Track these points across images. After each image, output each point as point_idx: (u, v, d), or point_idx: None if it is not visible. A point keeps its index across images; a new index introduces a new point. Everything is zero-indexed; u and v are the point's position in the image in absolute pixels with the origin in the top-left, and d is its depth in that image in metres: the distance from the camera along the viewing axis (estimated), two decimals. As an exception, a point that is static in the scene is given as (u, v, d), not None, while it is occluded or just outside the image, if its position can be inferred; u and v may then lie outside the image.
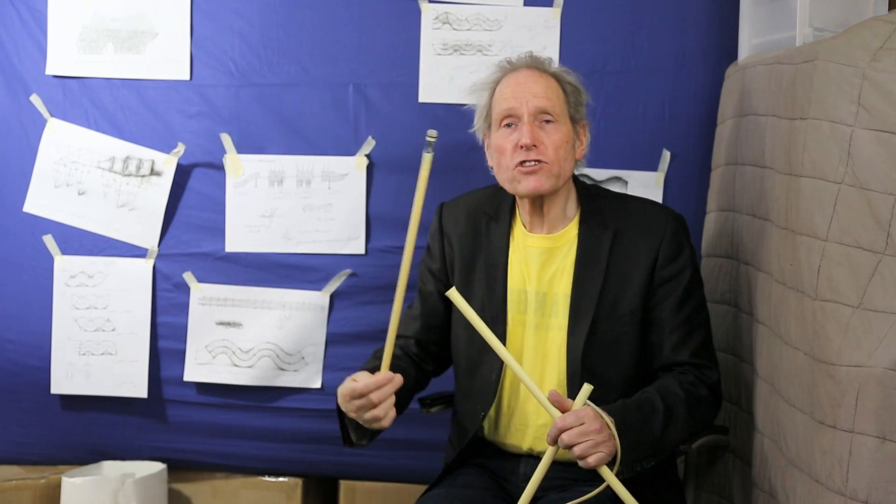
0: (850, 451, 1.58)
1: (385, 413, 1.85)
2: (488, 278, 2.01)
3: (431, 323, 2.12)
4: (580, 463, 1.72)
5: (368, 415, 1.85)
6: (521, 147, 1.91)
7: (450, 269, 2.09)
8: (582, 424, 1.71)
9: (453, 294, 1.81)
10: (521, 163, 1.92)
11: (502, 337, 1.97)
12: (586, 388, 1.75)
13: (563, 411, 1.75)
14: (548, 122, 1.93)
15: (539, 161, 1.91)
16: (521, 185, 1.94)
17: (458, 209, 2.11)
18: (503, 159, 1.95)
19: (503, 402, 1.99)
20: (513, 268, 2.01)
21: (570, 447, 1.71)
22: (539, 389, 1.78)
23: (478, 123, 2.04)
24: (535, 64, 1.99)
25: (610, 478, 1.73)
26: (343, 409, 1.90)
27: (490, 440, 2.03)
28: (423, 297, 2.14)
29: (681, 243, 1.96)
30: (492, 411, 2.00)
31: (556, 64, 2.02)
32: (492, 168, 2.02)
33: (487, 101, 2.00)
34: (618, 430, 1.73)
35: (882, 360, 1.54)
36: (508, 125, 1.95)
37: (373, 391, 1.84)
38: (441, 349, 2.14)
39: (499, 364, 1.96)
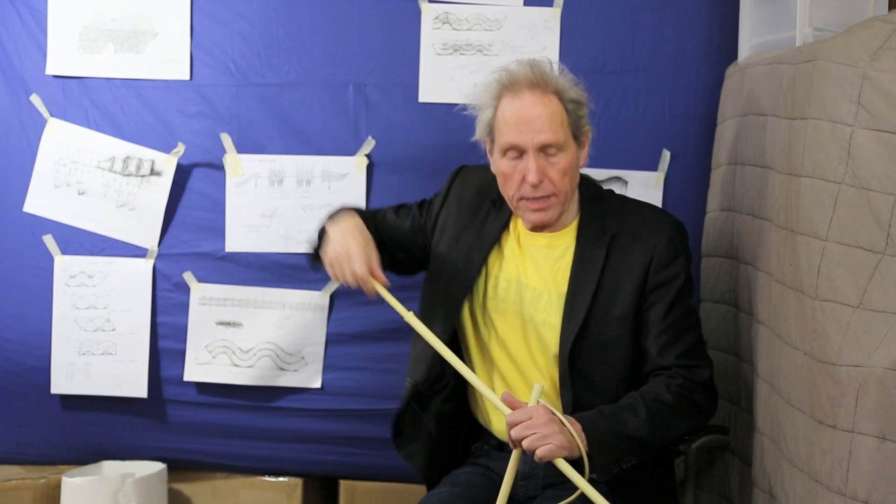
0: (850, 451, 1.58)
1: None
2: (467, 259, 2.03)
3: (398, 243, 2.16)
4: (535, 457, 1.74)
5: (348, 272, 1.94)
6: (529, 184, 1.91)
7: (438, 233, 2.11)
8: (530, 419, 1.73)
9: (411, 319, 1.90)
10: (528, 197, 1.93)
11: (456, 315, 2.02)
12: (537, 387, 1.77)
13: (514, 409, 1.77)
14: (552, 153, 1.91)
15: (546, 197, 1.92)
16: (526, 216, 1.97)
17: (473, 180, 2.13)
18: (508, 186, 1.96)
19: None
20: (508, 259, 2.02)
21: (518, 441, 1.73)
22: (492, 392, 1.83)
23: (481, 135, 2.01)
24: (537, 81, 1.92)
25: (569, 472, 1.73)
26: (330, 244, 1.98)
27: (487, 431, 2.05)
28: (409, 225, 2.18)
29: (676, 250, 1.96)
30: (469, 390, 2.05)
31: (557, 68, 1.97)
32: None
33: (490, 119, 1.96)
34: (588, 435, 1.75)
35: (882, 360, 1.54)
36: (514, 156, 1.93)
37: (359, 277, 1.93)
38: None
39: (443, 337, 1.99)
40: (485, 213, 2.07)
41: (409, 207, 2.20)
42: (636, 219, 1.99)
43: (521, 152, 1.92)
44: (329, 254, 1.97)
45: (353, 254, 1.93)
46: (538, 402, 1.76)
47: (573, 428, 1.74)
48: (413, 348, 2.13)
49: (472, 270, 2.02)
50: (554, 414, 1.74)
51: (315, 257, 2.09)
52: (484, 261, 2.03)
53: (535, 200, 1.92)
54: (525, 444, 1.72)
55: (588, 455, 1.75)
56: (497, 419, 2.02)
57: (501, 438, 2.02)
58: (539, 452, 1.72)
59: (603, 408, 1.84)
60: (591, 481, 1.75)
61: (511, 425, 1.74)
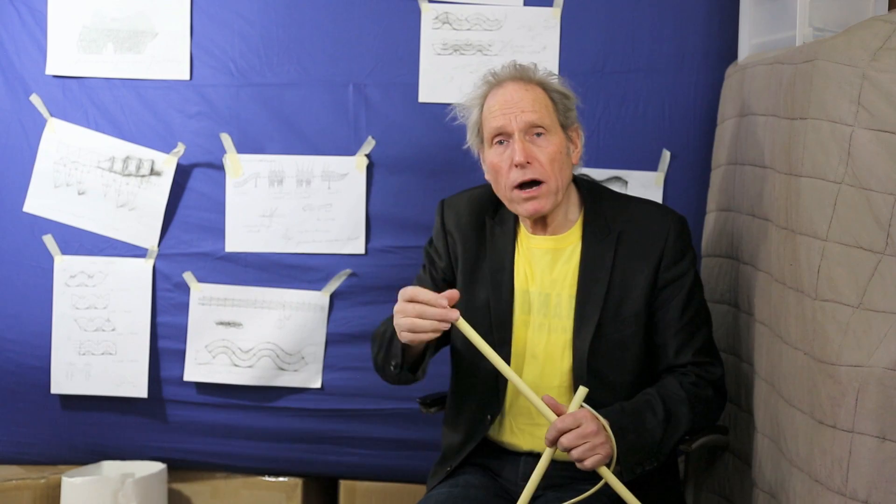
0: (850, 451, 1.58)
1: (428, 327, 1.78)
2: (494, 281, 2.00)
3: None
4: (578, 465, 1.74)
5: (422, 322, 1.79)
6: (516, 165, 1.90)
7: (454, 265, 2.07)
8: (580, 426, 1.73)
9: (461, 323, 1.78)
10: (520, 185, 1.90)
11: (508, 338, 1.97)
12: (582, 391, 1.76)
13: (558, 414, 1.76)
14: (539, 135, 1.91)
15: (537, 182, 1.90)
16: (521, 207, 1.94)
17: (461, 205, 2.09)
18: (500, 178, 1.94)
19: (507, 404, 2.00)
20: (518, 269, 2.01)
21: (568, 450, 1.73)
22: (534, 393, 1.79)
23: (471, 140, 2.02)
24: (519, 75, 1.95)
25: (610, 477, 1.74)
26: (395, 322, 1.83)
27: (491, 440, 2.04)
28: (432, 284, 2.06)
29: (684, 245, 1.97)
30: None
31: (542, 69, 1.99)
32: (489, 181, 2.01)
33: (478, 118, 1.98)
34: (614, 433, 1.75)
35: (882, 360, 1.54)
36: (500, 142, 1.93)
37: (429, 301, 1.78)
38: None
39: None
40: (489, 231, 2.04)
41: (420, 277, 2.12)
42: (640, 215, 1.99)
43: (507, 137, 1.92)
44: (400, 323, 1.81)
45: (423, 298, 1.79)
46: (581, 405, 1.76)
47: (609, 429, 1.75)
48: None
49: (506, 293, 1.99)
50: (598, 419, 1.75)
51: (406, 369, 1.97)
52: (512, 279, 2.00)
53: (525, 188, 1.90)
54: (576, 453, 1.73)
55: (616, 458, 1.76)
56: (520, 432, 1.99)
57: (511, 448, 2.01)
58: (588, 462, 1.73)
59: (625, 405, 1.84)
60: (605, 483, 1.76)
61: (561, 431, 1.73)
